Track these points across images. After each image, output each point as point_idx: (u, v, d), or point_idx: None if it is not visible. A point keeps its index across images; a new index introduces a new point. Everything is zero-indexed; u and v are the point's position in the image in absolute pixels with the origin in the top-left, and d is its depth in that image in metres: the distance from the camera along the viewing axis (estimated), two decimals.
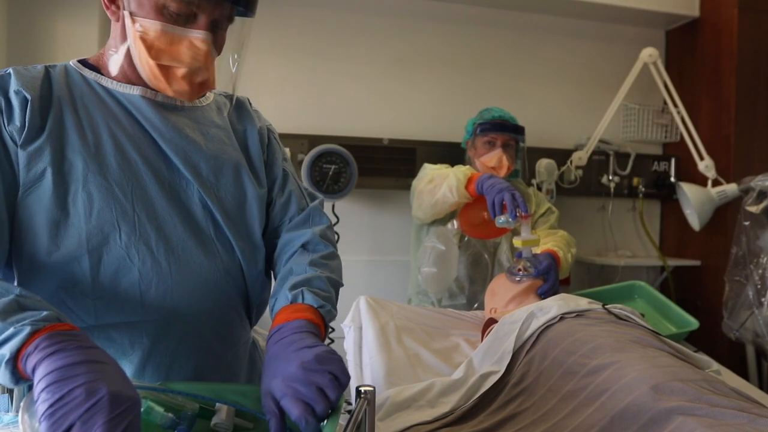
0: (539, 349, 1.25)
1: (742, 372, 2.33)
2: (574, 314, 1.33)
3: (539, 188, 2.69)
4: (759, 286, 2.19)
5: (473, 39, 2.82)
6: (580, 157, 2.76)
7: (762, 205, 2.25)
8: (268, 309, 0.97)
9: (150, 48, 0.87)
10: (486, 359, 1.33)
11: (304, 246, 0.98)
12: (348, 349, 1.63)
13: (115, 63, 0.92)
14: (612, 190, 2.84)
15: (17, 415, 0.65)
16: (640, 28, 3.00)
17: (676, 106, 2.72)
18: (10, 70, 0.88)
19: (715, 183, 2.66)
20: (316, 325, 0.85)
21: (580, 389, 1.10)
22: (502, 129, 2.10)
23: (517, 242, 1.67)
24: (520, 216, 1.63)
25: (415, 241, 2.16)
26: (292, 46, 2.55)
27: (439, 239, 1.98)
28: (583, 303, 1.38)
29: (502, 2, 2.77)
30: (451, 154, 2.52)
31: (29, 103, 0.85)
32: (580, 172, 2.79)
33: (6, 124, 0.83)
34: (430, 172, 2.00)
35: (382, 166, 2.58)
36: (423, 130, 2.71)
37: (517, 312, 1.39)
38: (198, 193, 0.94)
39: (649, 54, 2.63)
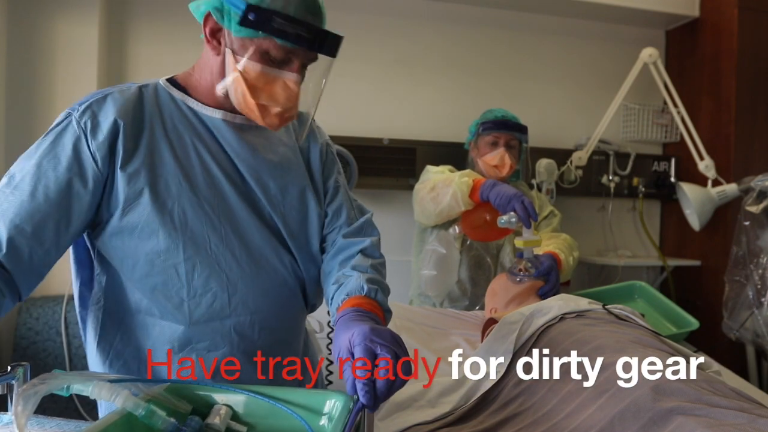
0: (539, 350, 1.25)
1: (742, 372, 2.33)
2: (575, 314, 1.33)
3: (539, 188, 2.70)
4: (759, 286, 2.19)
5: (473, 39, 2.82)
6: (580, 157, 2.76)
7: (762, 205, 2.25)
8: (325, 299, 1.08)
9: (251, 88, 0.97)
10: (486, 359, 1.33)
11: (362, 252, 1.08)
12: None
13: (205, 89, 1.03)
14: (612, 190, 2.84)
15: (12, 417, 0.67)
16: (640, 28, 3.00)
17: (676, 106, 2.72)
18: (108, 95, 0.98)
19: (715, 183, 2.66)
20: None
21: (581, 389, 1.10)
22: (505, 128, 2.09)
23: (518, 243, 1.68)
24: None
25: (418, 243, 2.16)
26: None
27: (441, 243, 1.98)
28: (583, 303, 1.38)
29: (503, 2, 2.77)
30: (451, 154, 2.52)
31: (122, 128, 0.95)
32: (580, 172, 2.79)
33: (90, 147, 0.93)
34: (432, 177, 1.99)
35: (382, 166, 2.58)
36: (423, 130, 2.71)
37: (518, 312, 1.39)
38: (267, 208, 1.06)
39: (649, 54, 2.63)
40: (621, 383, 1.04)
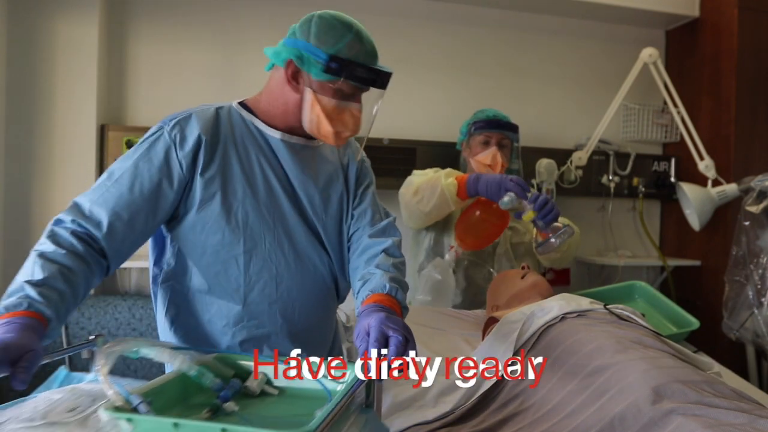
0: (540, 349, 1.25)
1: (742, 372, 2.33)
2: (576, 314, 1.33)
3: (539, 188, 2.70)
4: (759, 286, 2.19)
5: (473, 39, 2.82)
6: (580, 157, 2.76)
7: (762, 205, 2.25)
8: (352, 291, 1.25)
9: (329, 118, 1.19)
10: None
11: (385, 251, 1.24)
12: (349, 350, 1.63)
13: (274, 115, 1.24)
14: (612, 190, 2.84)
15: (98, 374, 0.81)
16: (640, 28, 3.00)
17: (676, 106, 2.72)
18: (192, 114, 1.19)
19: (715, 183, 2.66)
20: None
21: (581, 390, 1.10)
22: (496, 127, 2.10)
23: (527, 217, 1.74)
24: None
25: (414, 245, 2.16)
26: None
27: (436, 269, 1.98)
28: (584, 303, 1.38)
29: (503, 2, 2.77)
30: (451, 154, 2.51)
31: (204, 142, 1.17)
32: (580, 172, 2.79)
33: (178, 155, 1.14)
34: (415, 181, 1.98)
35: (382, 166, 2.57)
36: (423, 130, 2.71)
37: (518, 311, 1.39)
38: (311, 215, 1.26)
39: (649, 54, 2.63)
40: (621, 384, 1.04)
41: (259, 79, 1.32)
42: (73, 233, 1.04)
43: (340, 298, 1.38)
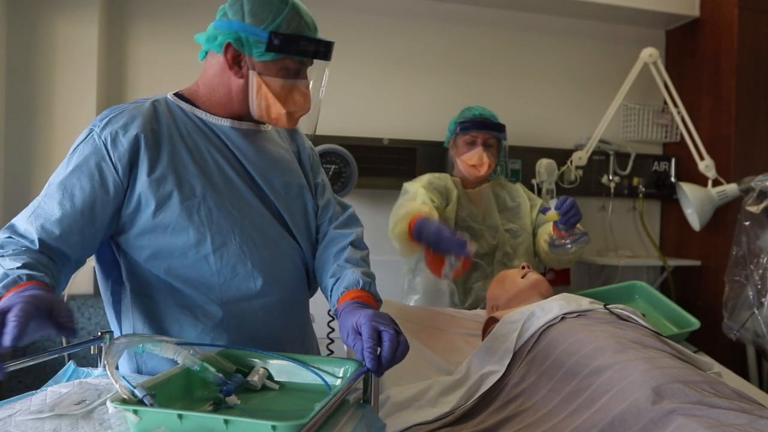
0: (540, 349, 1.25)
1: (742, 372, 2.33)
2: (576, 314, 1.33)
3: (539, 188, 2.70)
4: (759, 286, 2.19)
5: (473, 39, 2.82)
6: (580, 157, 2.76)
7: (762, 205, 2.25)
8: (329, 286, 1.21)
9: (281, 100, 1.15)
10: (486, 359, 1.33)
11: (352, 244, 1.23)
12: (348, 349, 1.63)
13: (217, 103, 1.18)
14: (612, 190, 2.84)
15: (105, 370, 0.86)
16: (640, 28, 3.00)
17: (676, 106, 2.72)
18: (124, 110, 1.10)
19: (716, 183, 2.66)
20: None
21: (581, 390, 1.10)
22: (482, 127, 2.09)
23: (550, 217, 1.80)
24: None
25: (410, 269, 2.15)
26: None
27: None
28: (584, 303, 1.38)
29: (503, 2, 2.77)
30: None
31: (143, 140, 1.08)
32: (580, 172, 2.79)
33: (112, 158, 1.06)
34: (392, 218, 1.89)
35: (382, 166, 2.58)
36: (423, 130, 2.71)
37: (518, 311, 1.39)
38: (274, 202, 1.20)
39: (650, 54, 2.63)
40: (622, 384, 1.04)
41: None
42: (12, 247, 0.99)
43: (312, 287, 1.32)
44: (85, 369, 0.98)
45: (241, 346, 1.14)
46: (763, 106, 2.70)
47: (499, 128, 2.13)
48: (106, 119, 1.09)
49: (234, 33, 1.12)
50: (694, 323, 1.78)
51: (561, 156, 2.77)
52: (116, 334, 1.18)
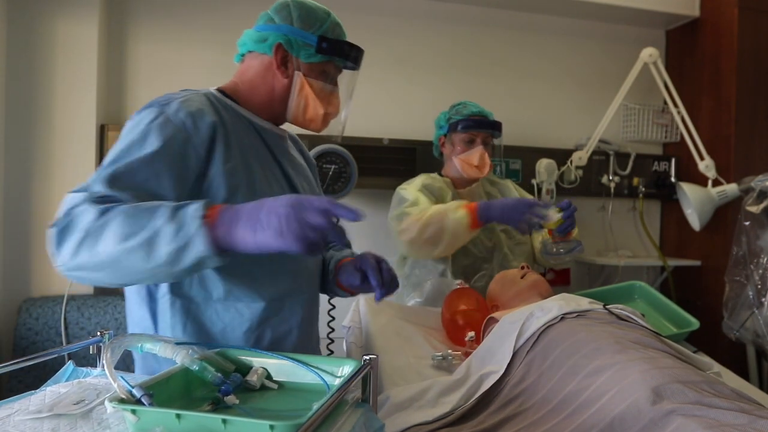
0: (540, 350, 1.25)
1: (742, 372, 2.33)
2: (575, 314, 1.33)
3: (539, 188, 2.70)
4: (759, 286, 2.19)
5: (473, 39, 2.82)
6: (580, 157, 2.76)
7: (762, 205, 2.25)
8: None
9: (321, 101, 1.23)
10: (486, 359, 1.33)
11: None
12: (348, 349, 1.63)
13: (259, 103, 1.23)
14: (612, 190, 2.84)
15: (103, 370, 0.83)
16: (640, 28, 3.00)
17: (676, 106, 2.72)
18: (193, 96, 1.12)
19: (716, 183, 2.66)
20: None
21: (581, 390, 1.09)
22: (484, 126, 2.06)
23: (552, 225, 1.78)
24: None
25: (401, 262, 2.12)
26: None
27: (428, 272, 1.98)
28: (584, 303, 1.38)
29: (503, 2, 2.77)
30: None
31: (218, 128, 1.09)
32: (580, 172, 2.79)
33: (195, 142, 1.05)
34: (409, 212, 1.91)
35: (382, 166, 2.58)
36: (423, 130, 2.70)
37: (518, 312, 1.39)
38: None
39: (650, 54, 2.63)
40: (621, 385, 1.04)
41: None
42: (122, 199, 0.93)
43: (325, 289, 1.40)
44: (84, 369, 0.99)
45: (241, 346, 1.16)
46: (763, 106, 2.70)
47: (498, 126, 2.10)
48: (176, 101, 1.07)
49: (284, 35, 1.19)
50: (694, 323, 1.78)
51: (561, 156, 2.77)
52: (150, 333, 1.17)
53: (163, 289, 1.11)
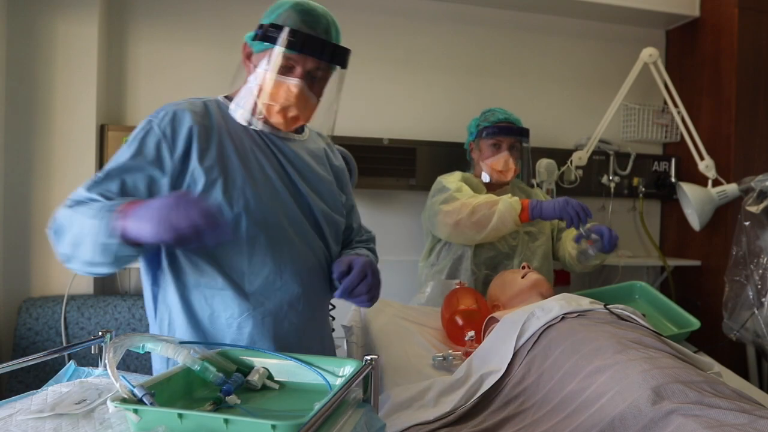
0: (540, 350, 1.25)
1: (742, 372, 2.33)
2: (576, 314, 1.33)
3: (539, 188, 2.69)
4: (759, 286, 2.19)
5: (473, 39, 2.82)
6: (580, 157, 2.76)
7: (762, 205, 2.25)
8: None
9: (261, 91, 1.19)
10: (486, 359, 1.33)
11: (365, 243, 1.46)
12: (349, 349, 1.63)
13: (248, 107, 1.24)
14: (612, 190, 2.84)
15: (105, 369, 0.87)
16: (640, 28, 3.00)
17: (676, 106, 2.72)
18: (181, 105, 1.20)
19: (716, 183, 2.65)
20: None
21: (581, 390, 1.09)
22: (508, 132, 2.11)
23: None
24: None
25: (428, 252, 2.16)
26: None
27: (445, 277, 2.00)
28: (584, 303, 1.38)
29: (503, 2, 2.77)
30: (451, 154, 2.51)
31: (196, 132, 1.17)
32: (580, 172, 2.79)
33: (169, 145, 1.15)
34: (456, 196, 1.98)
35: (382, 166, 2.58)
36: (423, 130, 2.71)
37: (518, 312, 1.39)
38: (309, 203, 1.29)
39: (650, 54, 2.63)
40: (621, 385, 1.04)
41: None
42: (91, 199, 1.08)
43: (332, 288, 1.38)
44: (85, 368, 0.99)
45: (244, 343, 1.19)
46: (763, 106, 2.70)
47: (525, 132, 2.15)
48: (165, 112, 1.19)
49: (251, 33, 1.22)
50: (694, 323, 1.78)
51: (561, 156, 2.77)
52: (150, 319, 1.27)
53: (166, 274, 1.20)
